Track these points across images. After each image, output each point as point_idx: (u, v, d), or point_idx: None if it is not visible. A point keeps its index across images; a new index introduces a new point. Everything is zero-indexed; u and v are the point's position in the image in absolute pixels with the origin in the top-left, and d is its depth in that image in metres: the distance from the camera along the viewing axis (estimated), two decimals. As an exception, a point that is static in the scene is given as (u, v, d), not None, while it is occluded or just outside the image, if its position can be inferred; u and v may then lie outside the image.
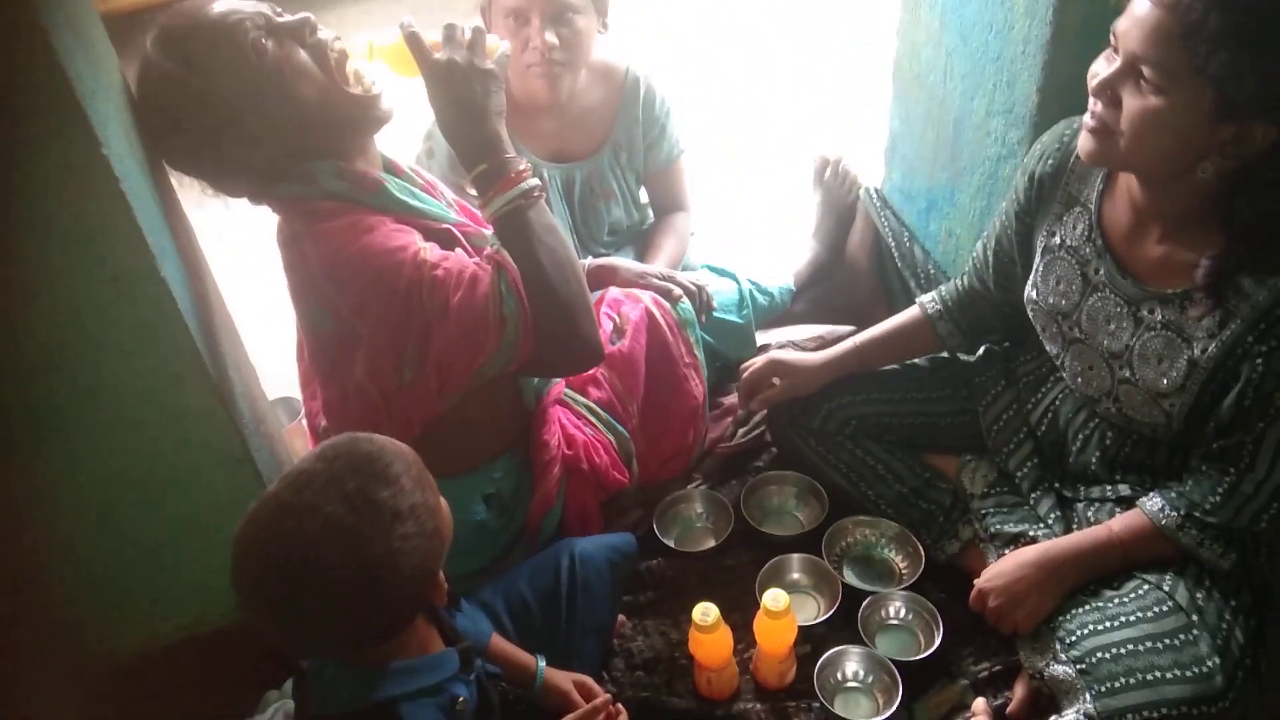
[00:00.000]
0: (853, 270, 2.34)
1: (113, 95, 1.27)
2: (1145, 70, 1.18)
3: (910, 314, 1.78)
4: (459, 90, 1.37)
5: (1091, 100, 1.27)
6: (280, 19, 1.36)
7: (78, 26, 1.20)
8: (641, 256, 2.30)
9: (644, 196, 2.37)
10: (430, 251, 1.39)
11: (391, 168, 1.53)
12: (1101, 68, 1.25)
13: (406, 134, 2.11)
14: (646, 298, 1.86)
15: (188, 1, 1.34)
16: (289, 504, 1.00)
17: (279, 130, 1.35)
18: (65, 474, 1.36)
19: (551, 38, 1.88)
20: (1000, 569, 1.49)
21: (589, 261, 1.91)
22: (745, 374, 1.84)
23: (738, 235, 2.70)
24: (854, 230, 2.37)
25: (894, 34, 2.08)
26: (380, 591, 1.00)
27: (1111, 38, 1.24)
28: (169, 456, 1.39)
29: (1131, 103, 1.21)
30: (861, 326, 2.26)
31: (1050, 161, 1.49)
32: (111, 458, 1.36)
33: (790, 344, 2.23)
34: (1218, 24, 1.11)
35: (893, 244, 2.22)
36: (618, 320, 1.81)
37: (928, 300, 1.76)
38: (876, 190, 2.30)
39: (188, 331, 1.30)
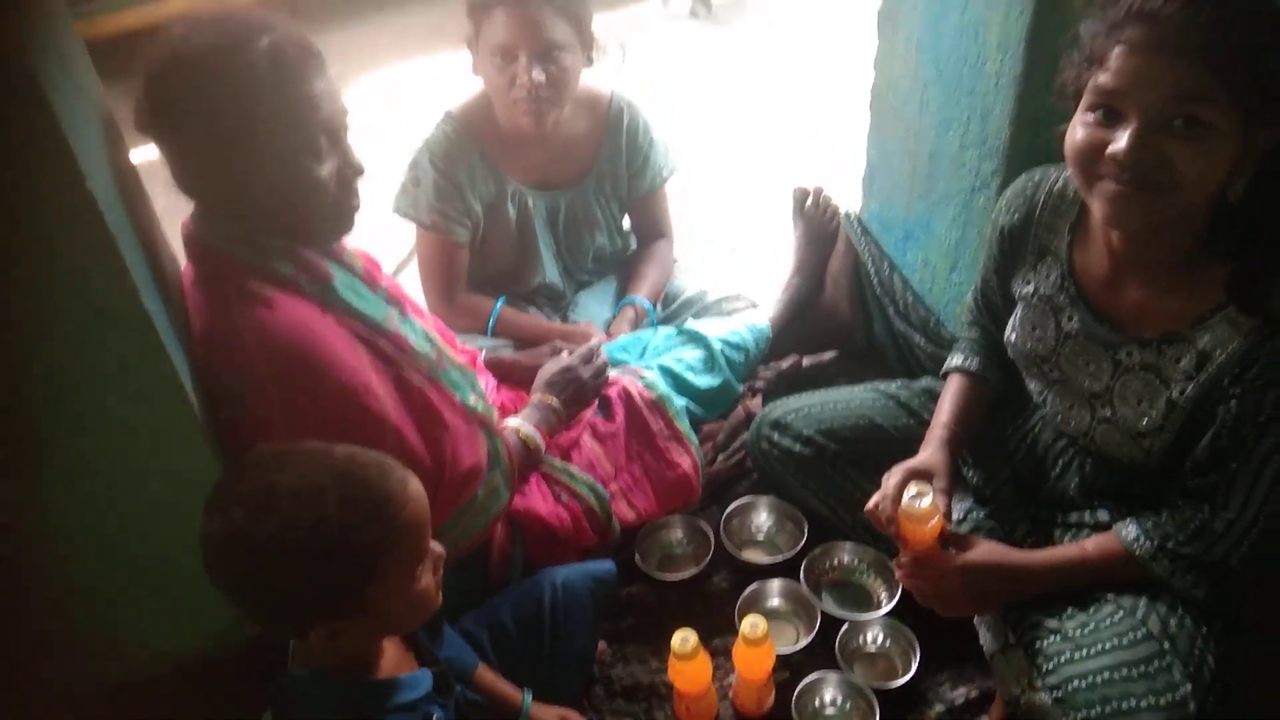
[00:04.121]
0: (834, 293, 2.36)
1: (93, 122, 1.27)
2: (1196, 112, 1.12)
3: (956, 383, 1.67)
4: (580, 395, 1.84)
5: (1121, 171, 1.18)
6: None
7: (62, 54, 1.20)
8: (625, 285, 2.32)
9: (627, 224, 2.39)
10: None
11: (341, 259, 1.48)
12: (1110, 136, 1.18)
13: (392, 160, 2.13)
14: (624, 379, 1.96)
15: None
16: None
17: (270, 178, 1.31)
18: (53, 499, 1.36)
19: (539, 75, 1.90)
20: (976, 558, 1.44)
21: (483, 354, 1.98)
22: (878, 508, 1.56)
23: (718, 261, 2.73)
24: (835, 254, 2.39)
25: (871, 65, 2.11)
26: (335, 549, 1.03)
27: (1092, 98, 1.19)
28: (152, 486, 1.39)
29: (1182, 150, 1.14)
30: (844, 350, 2.29)
31: (1017, 215, 1.49)
32: (94, 483, 1.36)
33: (766, 365, 2.24)
34: (1244, 41, 1.09)
35: (872, 270, 2.24)
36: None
37: (961, 362, 1.67)
38: (858, 216, 2.33)
39: (169, 362, 1.30)
